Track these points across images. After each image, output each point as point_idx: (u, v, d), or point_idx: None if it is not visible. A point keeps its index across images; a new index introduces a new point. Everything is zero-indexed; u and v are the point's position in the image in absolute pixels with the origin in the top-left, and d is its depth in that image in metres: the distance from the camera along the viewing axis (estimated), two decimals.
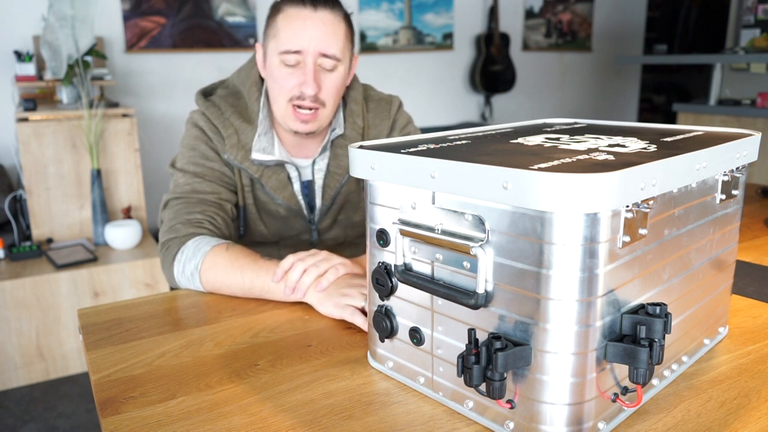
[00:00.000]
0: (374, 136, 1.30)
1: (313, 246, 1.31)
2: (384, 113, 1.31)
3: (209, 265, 1.02)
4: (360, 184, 1.31)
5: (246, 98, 1.23)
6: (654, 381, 0.70)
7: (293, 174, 1.25)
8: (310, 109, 1.15)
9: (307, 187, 1.28)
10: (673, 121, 4.62)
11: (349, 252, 1.33)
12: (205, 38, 3.58)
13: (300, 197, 1.26)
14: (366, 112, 1.30)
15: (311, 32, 1.10)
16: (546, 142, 0.74)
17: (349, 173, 1.23)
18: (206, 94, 1.25)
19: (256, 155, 1.19)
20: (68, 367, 2.47)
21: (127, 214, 2.78)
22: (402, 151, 0.68)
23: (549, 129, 0.89)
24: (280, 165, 1.23)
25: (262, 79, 1.24)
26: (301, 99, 1.14)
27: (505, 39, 4.55)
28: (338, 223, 1.32)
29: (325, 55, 1.12)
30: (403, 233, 0.67)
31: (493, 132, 0.85)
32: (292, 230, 1.30)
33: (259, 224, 1.27)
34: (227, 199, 1.19)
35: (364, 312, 0.90)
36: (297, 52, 1.11)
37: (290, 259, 0.99)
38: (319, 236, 1.32)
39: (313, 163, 1.27)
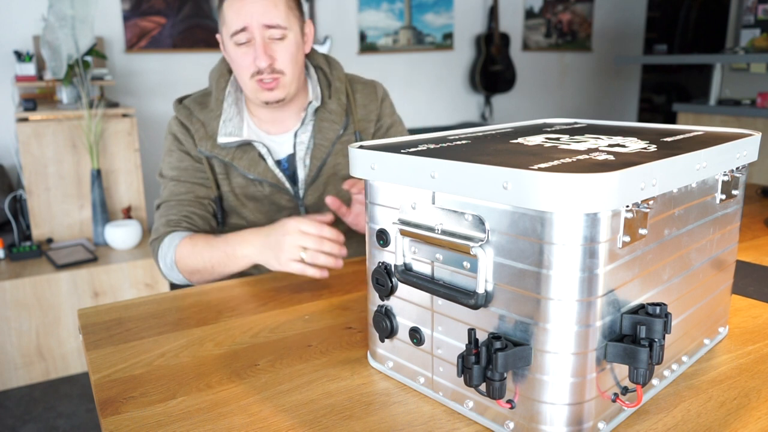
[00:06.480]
0: (363, 115, 1.37)
1: None
2: (371, 95, 1.40)
3: (180, 256, 1.18)
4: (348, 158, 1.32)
5: (214, 91, 1.32)
6: (654, 381, 0.70)
7: (263, 151, 1.30)
8: (271, 80, 1.23)
9: (288, 161, 1.33)
10: (673, 121, 4.62)
11: (342, 227, 1.34)
12: (205, 38, 3.58)
13: (276, 171, 1.30)
14: (352, 93, 1.38)
15: (251, 8, 1.18)
16: (546, 142, 0.74)
17: (346, 166, 1.27)
18: (181, 100, 1.37)
19: (221, 139, 1.26)
20: (68, 367, 2.47)
21: (127, 214, 2.78)
22: (402, 151, 0.68)
23: (549, 129, 0.89)
24: (249, 144, 1.29)
25: (230, 71, 1.33)
26: (260, 74, 1.22)
27: (505, 39, 4.55)
28: (326, 196, 1.35)
29: (269, 26, 1.19)
30: (403, 233, 0.67)
31: (493, 132, 0.85)
32: (279, 209, 1.34)
33: (244, 210, 1.32)
34: (203, 196, 1.29)
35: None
36: (243, 30, 1.19)
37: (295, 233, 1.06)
38: (308, 213, 1.36)
39: (295, 135, 1.32)
